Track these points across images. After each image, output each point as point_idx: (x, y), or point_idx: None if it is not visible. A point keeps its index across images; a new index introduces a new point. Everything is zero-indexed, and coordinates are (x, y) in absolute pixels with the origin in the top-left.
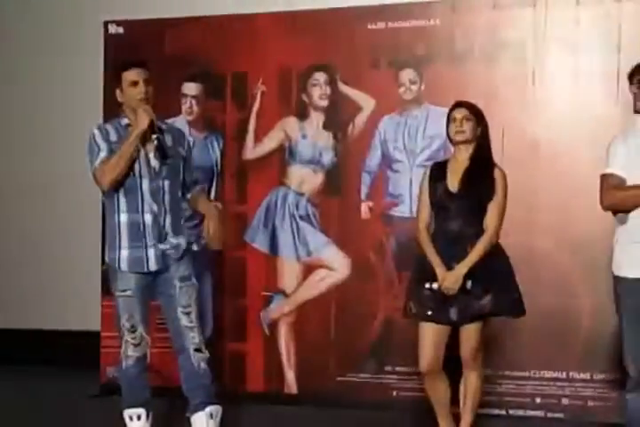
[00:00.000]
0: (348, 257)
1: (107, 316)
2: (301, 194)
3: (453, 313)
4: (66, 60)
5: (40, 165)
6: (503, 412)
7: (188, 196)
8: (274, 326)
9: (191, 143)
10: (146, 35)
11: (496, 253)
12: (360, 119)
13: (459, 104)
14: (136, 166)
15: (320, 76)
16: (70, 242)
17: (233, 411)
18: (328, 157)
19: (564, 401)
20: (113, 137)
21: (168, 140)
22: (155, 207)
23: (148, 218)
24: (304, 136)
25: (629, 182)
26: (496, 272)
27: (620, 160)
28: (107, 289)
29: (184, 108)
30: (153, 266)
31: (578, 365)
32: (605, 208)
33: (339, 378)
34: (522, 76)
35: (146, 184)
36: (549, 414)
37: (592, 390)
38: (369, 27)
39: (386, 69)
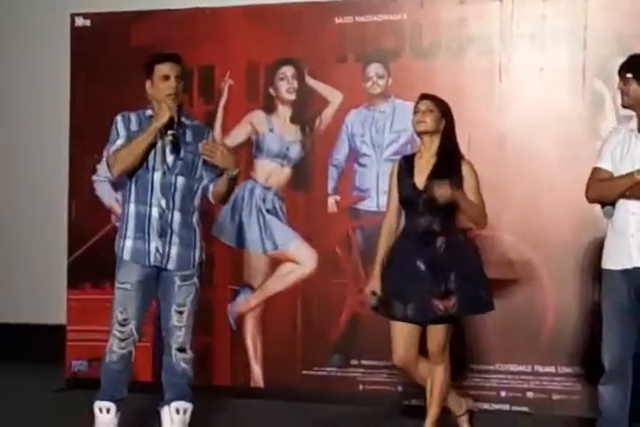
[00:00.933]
0: (315, 251)
1: (72, 309)
2: (268, 188)
3: (410, 310)
4: (33, 53)
5: (3, 156)
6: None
7: (209, 194)
8: (240, 319)
9: (214, 137)
10: (112, 27)
11: (464, 250)
12: (327, 113)
13: (423, 96)
14: (150, 159)
15: (287, 70)
16: (35, 235)
17: (199, 405)
18: (295, 151)
19: (529, 395)
20: (134, 126)
21: (189, 136)
22: (163, 202)
23: (155, 212)
24: (271, 130)
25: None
26: (464, 269)
27: (609, 154)
28: (73, 283)
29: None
30: (152, 260)
31: (543, 358)
32: (590, 200)
33: (305, 372)
34: (489, 71)
35: (157, 177)
36: (514, 408)
37: (557, 383)
38: (337, 21)
39: (353, 63)
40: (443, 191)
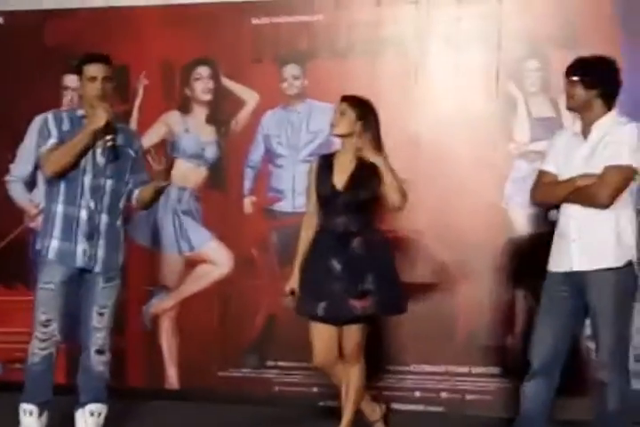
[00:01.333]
0: (231, 252)
1: None
2: (184, 188)
3: (322, 309)
4: None
5: None
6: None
7: (132, 198)
8: (155, 320)
9: (141, 144)
10: (25, 26)
11: (380, 250)
12: (243, 114)
13: (342, 98)
14: (82, 161)
15: (203, 70)
16: None
17: (114, 407)
18: (211, 152)
19: (443, 395)
20: (66, 126)
21: (120, 140)
22: (92, 204)
23: (84, 214)
24: (187, 130)
25: (562, 179)
26: (381, 270)
27: (553, 157)
28: None
29: (65, 100)
30: (80, 262)
31: (456, 359)
32: (534, 202)
33: (220, 373)
34: (404, 73)
35: (88, 180)
36: (429, 408)
37: (470, 383)
38: (253, 21)
39: (269, 64)
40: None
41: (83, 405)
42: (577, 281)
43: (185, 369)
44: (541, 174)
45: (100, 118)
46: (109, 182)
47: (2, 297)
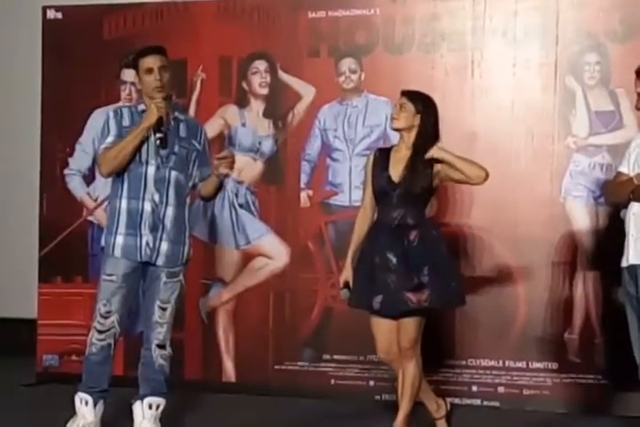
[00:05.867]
0: (287, 246)
1: (43, 303)
2: (241, 182)
3: (377, 302)
4: (4, 46)
5: None
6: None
7: (198, 187)
8: (212, 314)
9: (206, 133)
10: (84, 20)
11: (436, 244)
12: (300, 108)
13: (401, 92)
14: (143, 153)
15: (260, 64)
16: (6, 229)
17: (170, 399)
18: (268, 146)
19: (500, 389)
20: (126, 122)
21: (182, 131)
22: (156, 197)
23: (148, 206)
24: (244, 124)
25: None
26: (437, 263)
27: (627, 158)
28: (44, 276)
29: (123, 94)
30: (143, 256)
31: (514, 353)
32: (607, 202)
33: (277, 366)
34: (461, 66)
35: (151, 171)
36: (485, 403)
37: (528, 378)
38: (309, 15)
39: (326, 58)
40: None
41: (142, 397)
42: (634, 275)
43: (241, 362)
44: (616, 175)
45: (152, 116)
46: (174, 174)
47: (60, 289)
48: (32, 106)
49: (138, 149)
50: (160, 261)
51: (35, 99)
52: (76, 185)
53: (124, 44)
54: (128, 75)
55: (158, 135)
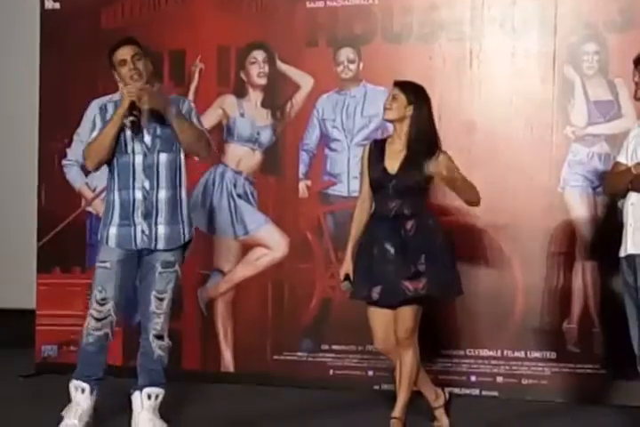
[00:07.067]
0: (286, 236)
1: (42, 293)
2: (239, 172)
3: (376, 293)
4: (2, 36)
5: None
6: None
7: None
8: (211, 304)
9: (192, 106)
10: (82, 10)
11: (434, 234)
12: (298, 98)
13: (394, 82)
14: (128, 142)
15: (258, 55)
16: (5, 220)
17: (169, 389)
18: (266, 136)
19: (499, 379)
20: (110, 115)
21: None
22: (146, 184)
23: (139, 195)
24: (242, 114)
25: None
26: (434, 252)
27: (625, 148)
28: (42, 266)
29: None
30: (139, 244)
31: (512, 343)
32: (606, 192)
33: (275, 357)
34: (459, 56)
35: (139, 160)
36: (484, 392)
37: (526, 368)
38: (308, 5)
39: (324, 48)
40: (439, 168)
41: (140, 388)
42: (632, 265)
43: (240, 353)
44: (614, 165)
45: (124, 100)
46: (162, 156)
47: (58, 280)
48: (30, 96)
49: (117, 138)
50: (160, 245)
51: (33, 89)
52: (74, 175)
53: (122, 34)
54: None
55: (130, 119)
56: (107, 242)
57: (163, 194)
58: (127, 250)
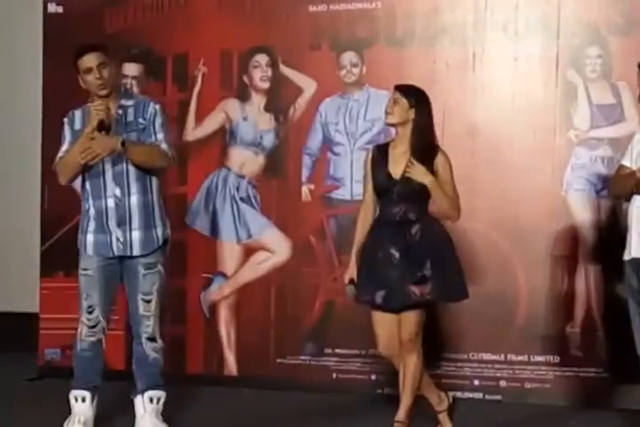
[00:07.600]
0: (289, 240)
1: (45, 298)
2: (242, 176)
3: (379, 297)
4: (4, 40)
5: None
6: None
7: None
8: (214, 308)
9: (156, 108)
10: (85, 14)
11: (439, 238)
12: (301, 101)
13: (394, 86)
14: None
15: (261, 58)
16: (8, 223)
17: (172, 393)
18: (269, 140)
19: (502, 383)
20: (77, 124)
21: (130, 115)
22: (117, 191)
23: (111, 203)
24: (245, 118)
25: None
26: (439, 257)
27: (630, 151)
28: (45, 270)
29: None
30: (116, 251)
31: (515, 347)
32: (611, 196)
33: (279, 360)
34: (462, 60)
35: (109, 168)
36: (487, 396)
37: (529, 372)
38: (310, 9)
39: (327, 52)
40: (417, 173)
41: (141, 392)
42: (636, 268)
43: (243, 356)
44: (618, 168)
45: (92, 119)
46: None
47: (61, 284)
48: (34, 99)
49: None
50: (135, 251)
51: (36, 92)
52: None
53: (125, 38)
54: (129, 69)
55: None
56: (85, 250)
57: (134, 200)
58: (105, 257)
